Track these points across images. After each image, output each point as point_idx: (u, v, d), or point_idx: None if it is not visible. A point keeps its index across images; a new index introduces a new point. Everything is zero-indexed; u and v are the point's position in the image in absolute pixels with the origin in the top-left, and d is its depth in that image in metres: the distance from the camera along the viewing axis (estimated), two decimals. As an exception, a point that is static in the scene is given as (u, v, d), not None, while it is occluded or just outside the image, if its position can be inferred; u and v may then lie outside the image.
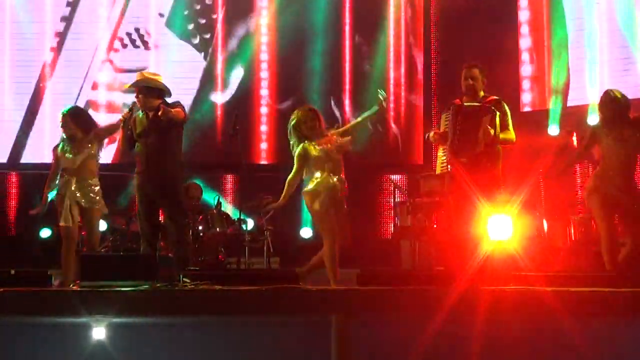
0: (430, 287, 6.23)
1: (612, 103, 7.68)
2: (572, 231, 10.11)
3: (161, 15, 12.62)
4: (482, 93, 7.58)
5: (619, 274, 6.91)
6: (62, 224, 8.05)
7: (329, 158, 7.53)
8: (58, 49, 12.48)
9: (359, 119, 8.03)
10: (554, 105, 11.73)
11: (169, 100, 7.77)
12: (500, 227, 7.51)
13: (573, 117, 11.36)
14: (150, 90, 7.66)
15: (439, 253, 9.41)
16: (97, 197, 8.14)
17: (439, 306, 5.85)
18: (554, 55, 11.92)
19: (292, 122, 7.59)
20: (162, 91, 7.75)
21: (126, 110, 7.83)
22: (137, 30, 12.61)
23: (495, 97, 7.59)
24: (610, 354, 6.00)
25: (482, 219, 7.26)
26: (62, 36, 12.50)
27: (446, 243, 7.89)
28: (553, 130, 11.49)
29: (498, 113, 7.42)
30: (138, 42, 12.60)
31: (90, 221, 8.18)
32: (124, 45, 12.57)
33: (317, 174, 7.52)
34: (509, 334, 5.94)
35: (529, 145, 11.23)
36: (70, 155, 8.10)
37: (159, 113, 7.51)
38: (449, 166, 7.40)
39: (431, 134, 7.66)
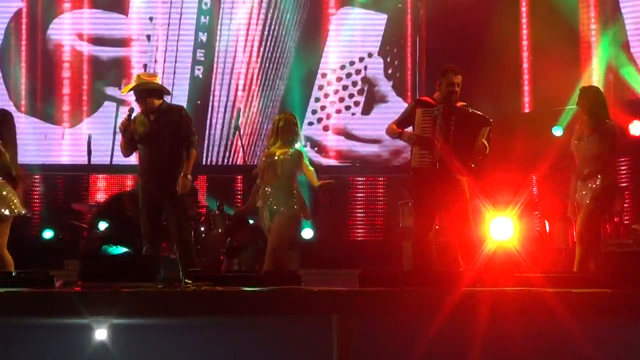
0: (431, 288, 6.23)
1: (579, 98, 7.32)
2: (573, 232, 10.09)
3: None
4: None
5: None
6: None
7: (269, 166, 7.86)
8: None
9: (315, 180, 7.94)
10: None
11: (167, 99, 7.83)
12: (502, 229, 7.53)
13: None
14: (150, 93, 7.67)
15: (440, 254, 9.41)
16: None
17: (440, 307, 5.86)
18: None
19: (280, 123, 7.94)
20: (161, 91, 7.78)
21: (124, 117, 7.77)
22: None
23: (464, 104, 7.31)
24: (611, 355, 6.00)
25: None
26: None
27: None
28: (557, 132, 11.43)
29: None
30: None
31: None
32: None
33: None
34: (509, 335, 5.94)
35: (531, 146, 11.28)
36: None
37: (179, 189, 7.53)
38: (437, 164, 7.10)
39: (409, 133, 7.23)
